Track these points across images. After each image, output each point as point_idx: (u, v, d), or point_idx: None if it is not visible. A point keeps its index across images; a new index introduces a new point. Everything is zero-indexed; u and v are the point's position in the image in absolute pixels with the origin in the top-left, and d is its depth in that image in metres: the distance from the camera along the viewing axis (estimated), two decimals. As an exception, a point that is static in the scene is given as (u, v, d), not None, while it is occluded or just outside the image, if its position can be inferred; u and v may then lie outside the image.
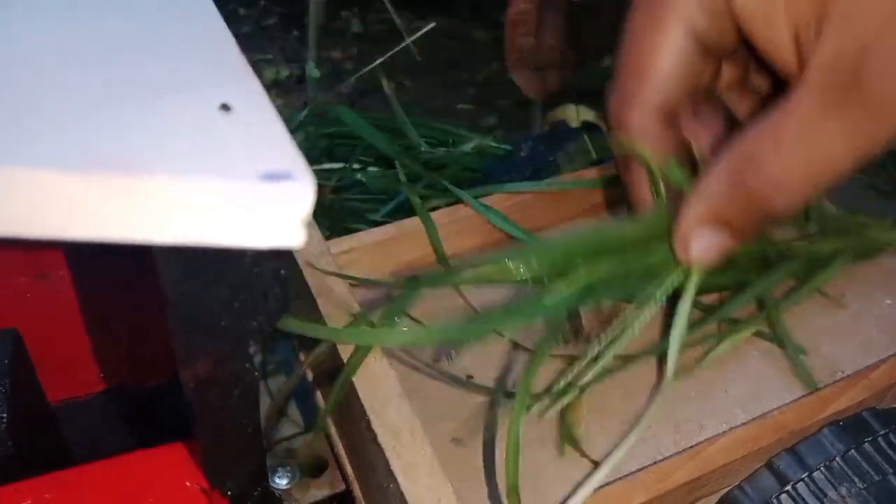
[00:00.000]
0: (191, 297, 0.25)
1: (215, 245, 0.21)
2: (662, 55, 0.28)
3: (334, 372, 0.41)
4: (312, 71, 0.98)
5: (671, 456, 0.43)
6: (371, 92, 1.28)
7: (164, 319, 0.47)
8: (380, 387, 0.40)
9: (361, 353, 0.40)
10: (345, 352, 0.42)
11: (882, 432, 0.46)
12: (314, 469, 0.48)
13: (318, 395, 0.48)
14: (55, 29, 0.27)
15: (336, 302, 0.45)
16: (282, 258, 0.26)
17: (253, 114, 0.23)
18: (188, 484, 0.33)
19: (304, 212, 0.21)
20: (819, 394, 0.47)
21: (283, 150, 0.22)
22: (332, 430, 0.49)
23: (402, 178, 0.60)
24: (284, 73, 1.12)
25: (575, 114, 1.19)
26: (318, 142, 0.96)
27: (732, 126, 0.35)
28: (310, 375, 0.49)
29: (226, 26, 0.30)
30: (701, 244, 0.32)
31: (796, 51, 0.26)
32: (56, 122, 0.21)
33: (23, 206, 0.19)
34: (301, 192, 0.21)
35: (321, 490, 0.48)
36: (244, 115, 0.23)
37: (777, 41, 0.26)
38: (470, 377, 0.48)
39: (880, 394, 0.48)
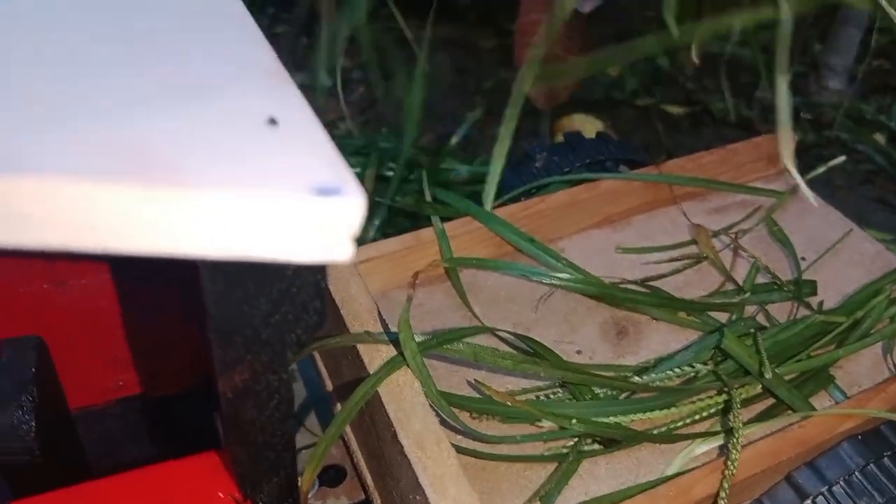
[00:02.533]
0: (232, 309, 0.25)
1: (265, 259, 0.22)
2: None
3: (356, 382, 0.41)
4: (323, 80, 0.98)
5: (692, 469, 0.43)
6: (380, 100, 1.29)
7: (185, 329, 0.47)
8: (405, 398, 0.40)
9: (390, 365, 0.40)
10: (369, 362, 0.42)
11: (900, 446, 0.46)
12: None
13: (339, 406, 0.48)
14: (101, 34, 0.27)
15: (359, 311, 0.45)
16: (321, 271, 0.26)
17: (300, 127, 0.23)
18: (221, 494, 0.33)
19: (354, 226, 0.22)
20: (837, 407, 0.47)
21: (333, 165, 0.22)
22: (352, 440, 0.49)
23: (427, 196, 0.60)
24: (297, 82, 1.13)
25: (582, 122, 1.19)
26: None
27: None
28: (330, 385, 0.49)
29: (264, 37, 0.30)
30: None
31: None
32: (106, 131, 0.21)
33: (71, 217, 0.19)
34: (352, 206, 0.21)
35: (339, 499, 0.48)
36: (291, 129, 0.23)
37: None
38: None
39: (898, 407, 0.48)
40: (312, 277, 0.26)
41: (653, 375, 0.48)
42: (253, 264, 0.22)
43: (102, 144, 0.20)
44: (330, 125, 1.14)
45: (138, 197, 0.19)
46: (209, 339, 0.26)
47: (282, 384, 0.28)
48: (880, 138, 1.29)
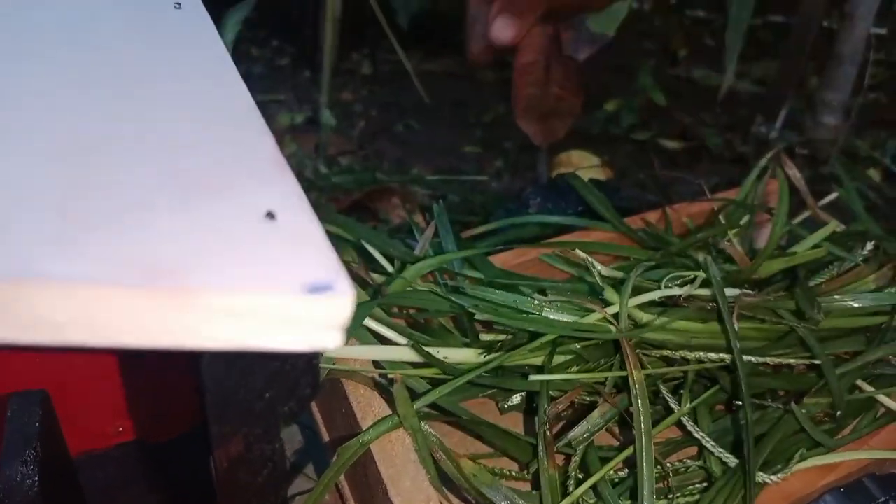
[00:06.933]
0: (228, 387, 0.26)
1: (258, 349, 0.23)
2: None
3: (349, 437, 0.43)
4: (328, 119, 1.00)
5: (677, 524, 0.44)
6: (381, 133, 1.31)
7: (183, 376, 0.48)
8: (396, 454, 0.41)
9: (383, 424, 0.41)
10: (362, 418, 0.43)
11: (882, 499, 0.47)
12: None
13: (336, 456, 0.49)
14: (91, 123, 0.28)
15: (353, 366, 0.46)
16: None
17: (295, 221, 0.25)
18: (215, 555, 0.34)
19: (342, 319, 0.23)
20: (820, 458, 0.48)
21: (325, 261, 0.23)
22: (345, 487, 0.50)
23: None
24: (299, 118, 1.15)
25: (580, 158, 1.21)
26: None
27: None
28: (326, 436, 0.50)
29: (262, 118, 0.32)
30: (497, 27, 0.57)
31: None
32: (103, 231, 0.22)
33: (75, 317, 0.21)
34: (341, 302, 0.23)
35: (333, 546, 0.49)
36: (287, 224, 0.25)
37: None
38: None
39: (880, 459, 0.49)
40: (305, 355, 0.27)
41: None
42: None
43: (111, 254, 0.22)
44: (332, 160, 1.16)
45: (146, 304, 0.21)
46: (205, 414, 0.28)
47: (275, 452, 0.30)
48: (875, 174, 1.31)
